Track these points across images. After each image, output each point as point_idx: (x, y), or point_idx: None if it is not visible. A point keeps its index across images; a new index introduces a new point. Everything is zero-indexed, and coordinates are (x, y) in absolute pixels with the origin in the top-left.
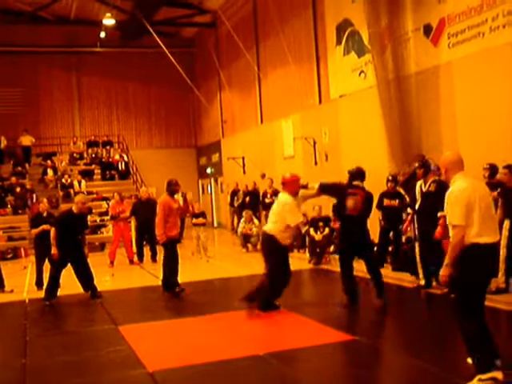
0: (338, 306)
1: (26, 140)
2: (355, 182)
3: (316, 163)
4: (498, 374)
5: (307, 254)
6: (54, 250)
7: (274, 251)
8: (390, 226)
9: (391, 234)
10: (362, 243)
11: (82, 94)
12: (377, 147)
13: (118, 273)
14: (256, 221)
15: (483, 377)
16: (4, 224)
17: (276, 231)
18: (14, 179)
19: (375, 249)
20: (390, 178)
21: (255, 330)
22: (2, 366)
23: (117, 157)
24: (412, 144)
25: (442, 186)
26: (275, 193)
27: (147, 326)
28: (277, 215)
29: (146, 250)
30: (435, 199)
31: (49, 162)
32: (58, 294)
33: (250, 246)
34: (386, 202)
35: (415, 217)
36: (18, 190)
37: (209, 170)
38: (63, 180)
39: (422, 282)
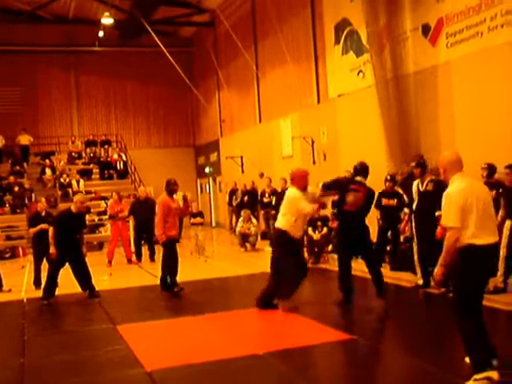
0: (334, 304)
1: (25, 139)
2: (358, 178)
3: (314, 162)
4: (493, 374)
5: (305, 254)
6: (52, 250)
7: (284, 243)
8: (388, 225)
9: (389, 233)
10: (361, 240)
11: (81, 93)
12: (375, 147)
13: (116, 272)
14: (254, 220)
15: (478, 376)
16: (2, 223)
17: (287, 225)
18: (12, 178)
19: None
20: (389, 177)
21: (254, 329)
22: (0, 366)
23: (115, 156)
24: (410, 143)
25: (440, 186)
26: (273, 192)
27: (145, 325)
28: (286, 208)
29: (145, 250)
30: (433, 198)
31: (47, 161)
32: (56, 293)
33: (248, 245)
34: (384, 201)
35: (413, 216)
36: (17, 189)
37: (207, 170)
38: (61, 179)
39: (421, 282)
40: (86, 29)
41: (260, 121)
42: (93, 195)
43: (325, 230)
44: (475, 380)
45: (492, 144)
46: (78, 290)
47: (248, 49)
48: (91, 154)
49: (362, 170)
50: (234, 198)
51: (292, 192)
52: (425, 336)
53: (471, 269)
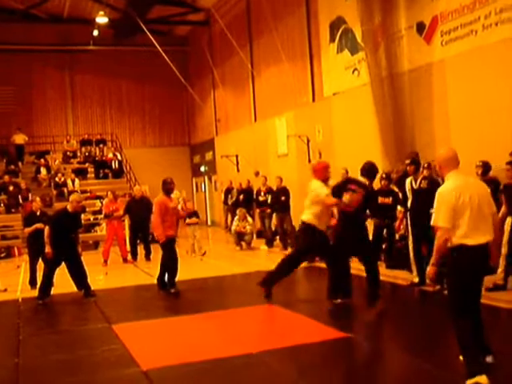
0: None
1: (19, 138)
2: (360, 178)
3: (309, 161)
4: (482, 379)
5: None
6: (48, 249)
7: (310, 234)
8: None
9: (385, 231)
10: (360, 240)
11: (76, 92)
12: (370, 145)
13: (111, 271)
14: (250, 219)
15: (468, 382)
16: None
17: (312, 217)
18: (7, 178)
19: None
20: (384, 175)
21: (250, 328)
22: None
23: (110, 155)
24: (405, 141)
25: (434, 183)
26: (269, 191)
27: (141, 324)
28: (309, 200)
29: (140, 249)
30: (427, 196)
31: (42, 160)
32: (52, 292)
33: (243, 243)
34: (379, 199)
35: (408, 214)
36: (11, 188)
37: (202, 169)
38: (56, 179)
39: (416, 280)
40: (81, 28)
41: (255, 119)
42: (88, 194)
43: None
44: None
45: (487, 142)
46: (74, 289)
47: (243, 47)
48: (86, 153)
49: (364, 170)
50: (229, 196)
51: (314, 184)
52: (420, 334)
53: (462, 269)
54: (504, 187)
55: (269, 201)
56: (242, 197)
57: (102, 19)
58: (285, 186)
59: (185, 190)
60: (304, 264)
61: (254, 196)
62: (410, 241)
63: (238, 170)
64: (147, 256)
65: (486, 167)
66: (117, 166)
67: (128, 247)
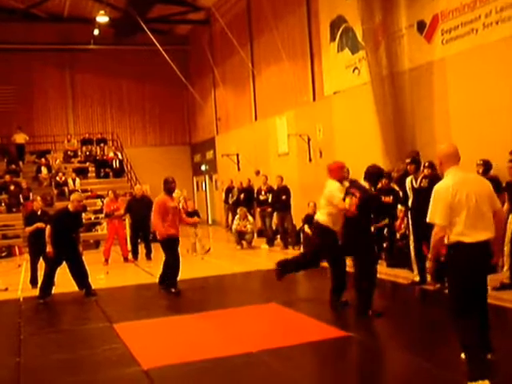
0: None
1: (20, 138)
2: (362, 182)
3: (310, 160)
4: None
5: (302, 251)
6: (49, 248)
7: (328, 243)
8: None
9: (386, 230)
10: (354, 246)
11: (76, 91)
12: (371, 144)
13: (112, 270)
14: (250, 218)
15: None
16: None
17: (327, 218)
18: (7, 177)
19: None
20: (384, 174)
21: (251, 327)
22: None
23: (111, 154)
24: (406, 140)
25: (434, 182)
26: (270, 190)
27: (142, 323)
28: (326, 199)
29: (141, 248)
30: (428, 195)
31: (43, 159)
32: (53, 292)
33: (244, 243)
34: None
35: (409, 213)
36: (12, 188)
37: (203, 168)
38: (57, 178)
39: (417, 279)
40: (81, 27)
41: (256, 118)
42: (89, 194)
43: None
44: None
45: (487, 140)
46: (75, 288)
47: (244, 46)
48: (87, 153)
49: (367, 174)
50: (230, 195)
51: (331, 185)
52: (421, 333)
53: (460, 266)
54: (507, 184)
55: (269, 200)
56: (242, 196)
57: (102, 18)
58: (285, 185)
59: (185, 189)
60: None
61: (255, 195)
62: (410, 240)
63: (238, 169)
64: (148, 255)
65: (486, 166)
66: (117, 165)
67: (129, 246)
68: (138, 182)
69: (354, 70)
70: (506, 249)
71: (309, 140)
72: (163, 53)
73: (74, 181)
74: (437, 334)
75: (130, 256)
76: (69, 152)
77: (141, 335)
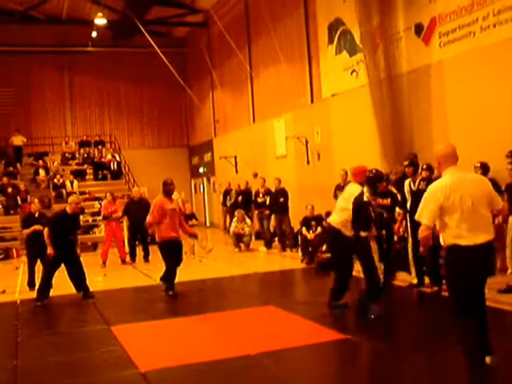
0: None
1: (18, 140)
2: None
3: (308, 162)
4: None
5: (300, 254)
6: (49, 250)
7: (338, 246)
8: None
9: (384, 232)
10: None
11: (74, 93)
12: (369, 146)
13: (110, 273)
14: (248, 220)
15: None
16: None
17: (341, 223)
18: (5, 179)
19: None
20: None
21: (249, 330)
22: None
23: (109, 157)
24: (404, 143)
25: None
26: (267, 192)
27: (140, 326)
28: (347, 202)
29: (139, 250)
30: None
31: (40, 162)
32: (50, 294)
33: (242, 245)
34: (378, 201)
35: (407, 216)
36: (10, 190)
37: (201, 170)
38: (55, 180)
39: (415, 281)
40: (80, 29)
41: (254, 121)
42: (87, 196)
43: (319, 229)
44: None
45: (485, 143)
46: (72, 291)
47: (242, 49)
48: (85, 155)
49: (368, 179)
50: (228, 198)
51: (354, 187)
52: (419, 335)
53: (458, 269)
54: (506, 187)
55: (267, 202)
56: (240, 198)
57: (100, 20)
58: (283, 188)
59: (183, 191)
60: (303, 265)
61: (253, 197)
62: (409, 242)
63: (236, 172)
64: (146, 257)
65: (484, 168)
66: (115, 167)
67: (127, 249)
68: (135, 185)
69: (351, 73)
70: (508, 251)
71: (307, 142)
72: (161, 55)
73: (71, 183)
74: (435, 337)
75: (127, 258)
76: (67, 154)
77: (138, 338)
